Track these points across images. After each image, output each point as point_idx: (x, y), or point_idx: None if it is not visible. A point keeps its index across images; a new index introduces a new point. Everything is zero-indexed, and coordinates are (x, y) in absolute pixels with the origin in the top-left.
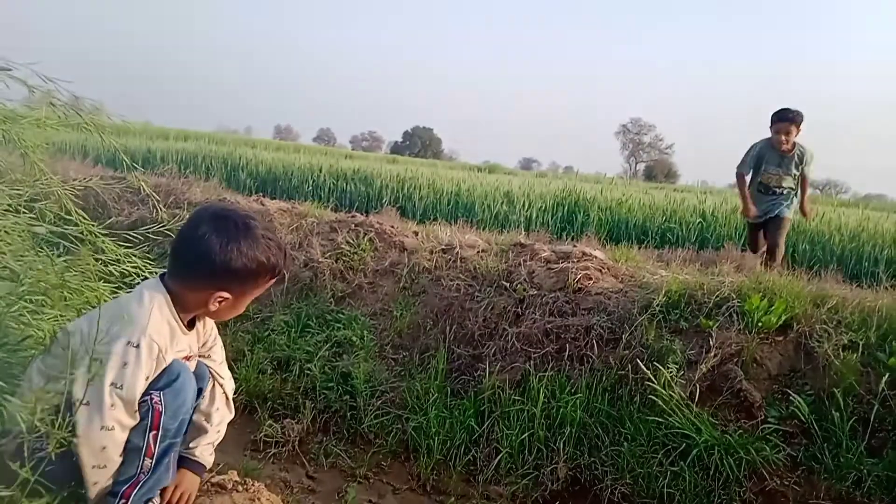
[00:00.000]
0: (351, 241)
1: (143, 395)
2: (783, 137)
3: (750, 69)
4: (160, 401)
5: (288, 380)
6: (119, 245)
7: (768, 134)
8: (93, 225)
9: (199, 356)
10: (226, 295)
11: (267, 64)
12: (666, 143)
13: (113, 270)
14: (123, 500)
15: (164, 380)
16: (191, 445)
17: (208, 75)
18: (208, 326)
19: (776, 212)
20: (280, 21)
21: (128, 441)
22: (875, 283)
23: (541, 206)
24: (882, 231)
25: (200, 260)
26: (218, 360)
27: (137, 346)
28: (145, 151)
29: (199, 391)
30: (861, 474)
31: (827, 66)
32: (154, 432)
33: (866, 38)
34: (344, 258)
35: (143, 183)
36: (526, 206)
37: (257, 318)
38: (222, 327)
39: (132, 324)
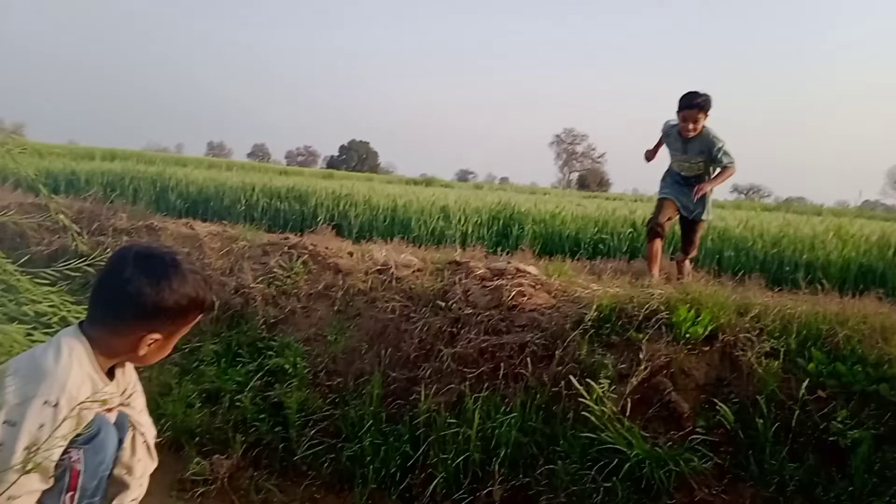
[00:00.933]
0: (284, 265)
1: (64, 454)
2: (690, 125)
3: (678, 76)
4: (79, 459)
5: (217, 413)
6: (36, 283)
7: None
8: (7, 261)
9: (120, 405)
10: (157, 336)
11: (199, 78)
12: (598, 152)
13: (28, 311)
14: None
15: (84, 435)
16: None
17: (138, 90)
18: (128, 373)
19: (692, 216)
20: (211, 33)
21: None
22: (795, 289)
23: (476, 221)
24: (802, 235)
25: (130, 303)
26: (138, 408)
27: (56, 406)
28: (69, 174)
29: (120, 442)
30: (784, 480)
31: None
32: (71, 493)
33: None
34: (277, 282)
35: (62, 214)
36: (462, 221)
37: (185, 349)
38: None
39: (48, 380)
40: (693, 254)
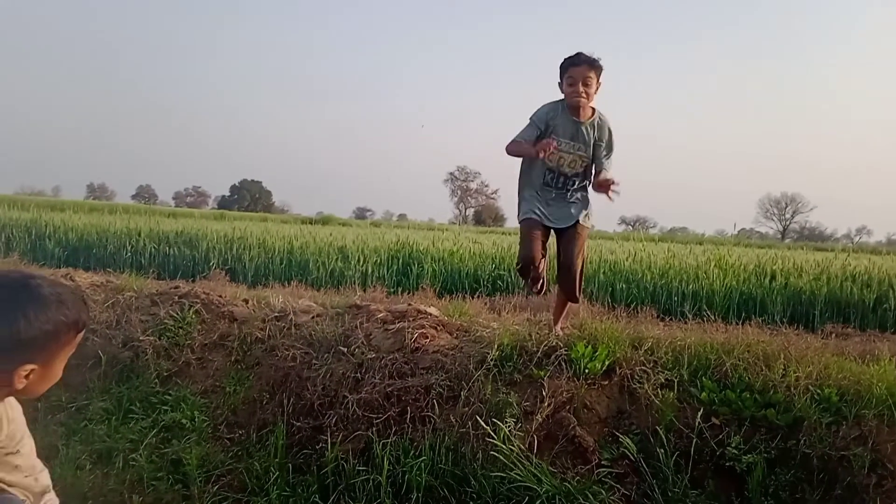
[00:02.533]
0: (175, 315)
1: None
2: (580, 88)
3: None
4: None
5: (110, 474)
6: None
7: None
8: None
9: (8, 453)
10: (31, 367)
11: (76, 115)
12: (492, 188)
13: None
14: None
15: None
16: None
17: (6, 129)
18: (13, 412)
19: (568, 221)
20: (86, 64)
21: None
22: (684, 319)
23: (376, 261)
24: (686, 266)
25: None
26: (27, 451)
27: None
28: None
29: None
30: None
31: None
32: None
33: (651, 64)
34: (168, 334)
35: None
36: (361, 262)
37: (72, 407)
38: (30, 421)
39: None
40: (577, 297)
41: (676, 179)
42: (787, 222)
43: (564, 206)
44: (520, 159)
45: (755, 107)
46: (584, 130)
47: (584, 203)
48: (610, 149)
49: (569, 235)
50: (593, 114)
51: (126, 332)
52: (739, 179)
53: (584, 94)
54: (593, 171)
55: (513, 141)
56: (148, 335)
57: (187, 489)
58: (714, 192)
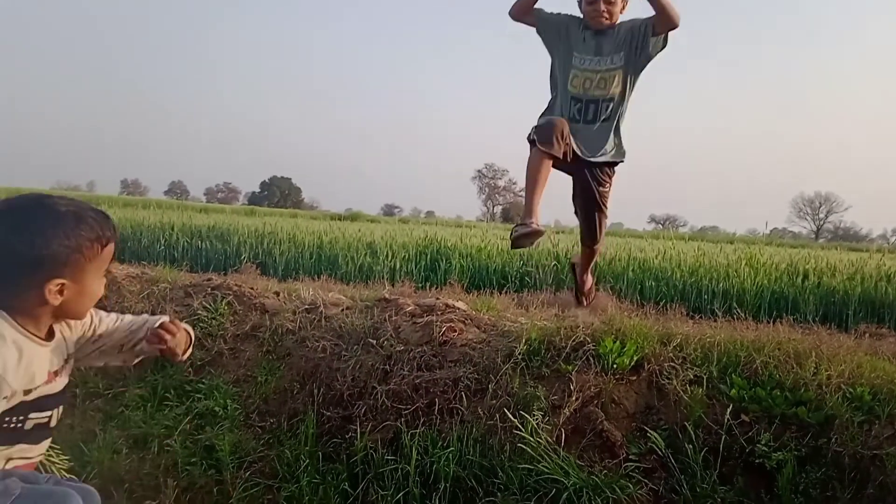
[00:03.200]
0: (208, 306)
1: None
2: (601, 7)
3: None
4: None
5: (146, 458)
6: None
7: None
8: None
9: (88, 353)
10: (59, 281)
11: (110, 112)
12: (520, 186)
13: None
14: None
15: None
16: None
17: (45, 125)
18: (77, 326)
19: (596, 152)
20: (119, 63)
21: None
22: (713, 317)
23: (404, 256)
24: (716, 265)
25: (8, 263)
26: (111, 323)
27: None
28: None
29: None
30: (716, 502)
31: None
32: None
33: (691, 73)
34: (202, 324)
35: None
36: (389, 257)
37: (108, 393)
38: (69, 406)
39: None
40: (599, 245)
41: (708, 177)
42: (821, 222)
43: (593, 135)
44: None
45: (789, 104)
46: (610, 41)
47: (618, 140)
48: (645, 28)
49: (590, 179)
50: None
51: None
52: (772, 178)
53: (605, 14)
54: (629, 91)
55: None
56: None
57: (220, 474)
58: (746, 191)
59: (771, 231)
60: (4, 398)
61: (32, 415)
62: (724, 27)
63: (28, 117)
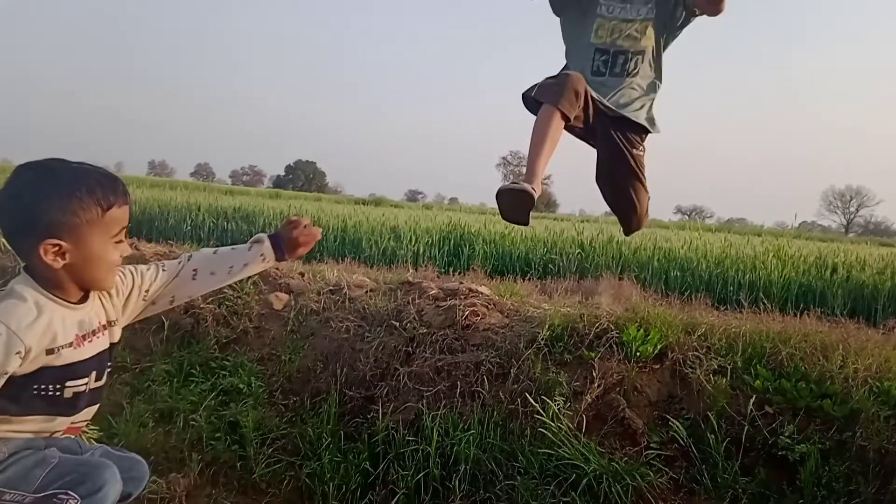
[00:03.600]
0: (234, 285)
1: (62, 492)
2: None
3: None
4: None
5: (171, 432)
6: None
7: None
8: None
9: (105, 324)
10: (55, 241)
11: (136, 94)
12: (545, 173)
13: None
14: None
15: (87, 487)
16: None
17: (73, 107)
18: (116, 292)
19: (627, 108)
20: (147, 50)
21: None
22: (739, 308)
23: (427, 241)
24: (743, 256)
25: (12, 228)
26: (156, 273)
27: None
28: None
29: (129, 496)
30: (737, 493)
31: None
32: None
33: (713, 62)
34: (227, 303)
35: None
36: (413, 241)
37: (136, 368)
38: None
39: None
40: (644, 221)
41: (737, 169)
42: (852, 216)
43: (624, 90)
44: None
45: (819, 96)
46: None
47: (650, 113)
48: None
49: (621, 141)
50: None
51: (188, 300)
52: (803, 172)
53: None
54: (660, 53)
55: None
56: (208, 303)
57: (243, 450)
58: (775, 184)
59: (800, 224)
60: (19, 354)
61: (69, 382)
62: (764, 18)
63: (56, 96)
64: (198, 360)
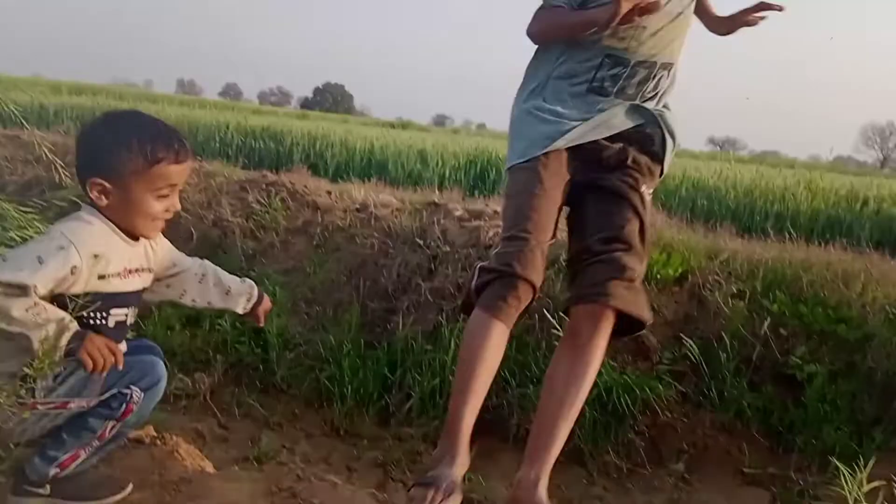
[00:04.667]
0: (262, 201)
1: (125, 388)
2: None
3: None
4: (138, 400)
5: (197, 335)
6: (20, 211)
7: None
8: None
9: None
10: (99, 181)
11: (166, 11)
12: None
13: (15, 236)
14: (58, 469)
15: (147, 381)
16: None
17: (101, 24)
18: (160, 249)
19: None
20: None
21: (83, 418)
22: (764, 237)
23: (454, 165)
24: (773, 187)
25: (77, 163)
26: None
27: (62, 249)
28: (37, 107)
29: None
30: (742, 407)
31: None
32: (114, 423)
33: None
34: (255, 217)
35: (44, 147)
36: (439, 165)
37: None
38: None
39: (61, 232)
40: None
41: (772, 100)
42: (890, 152)
43: (627, 114)
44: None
45: (863, 30)
46: None
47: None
48: None
49: (617, 185)
50: None
51: (216, 213)
52: (841, 107)
53: None
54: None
55: (547, 10)
56: (236, 217)
57: (266, 354)
58: (813, 116)
59: (835, 158)
60: (73, 270)
61: (114, 311)
62: None
63: (89, 14)
64: (225, 270)
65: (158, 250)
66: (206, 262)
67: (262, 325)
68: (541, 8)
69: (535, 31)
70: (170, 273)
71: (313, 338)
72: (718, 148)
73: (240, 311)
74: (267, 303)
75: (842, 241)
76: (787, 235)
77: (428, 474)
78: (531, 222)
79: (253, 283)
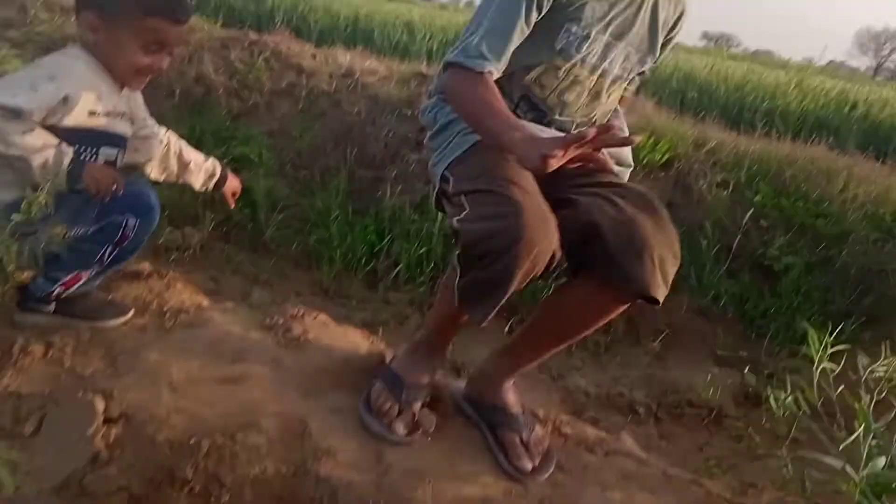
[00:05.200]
0: (245, 60)
1: (120, 215)
2: None
3: None
4: (133, 226)
5: (185, 191)
6: None
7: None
8: None
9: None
10: (91, 17)
11: None
12: None
13: None
14: (62, 288)
15: (140, 207)
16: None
17: None
18: (136, 102)
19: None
20: None
21: (82, 244)
22: (752, 130)
23: (442, 39)
24: (764, 84)
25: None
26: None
27: (53, 78)
28: None
29: None
30: (719, 292)
31: None
32: (111, 248)
33: None
34: (238, 76)
35: None
36: (428, 38)
37: None
38: None
39: (50, 63)
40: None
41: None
42: (883, 59)
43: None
44: None
45: None
46: (645, 15)
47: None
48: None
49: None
50: None
51: (198, 69)
52: (840, 17)
53: None
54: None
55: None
56: (219, 75)
57: (254, 214)
58: (812, 19)
59: (828, 63)
60: (65, 99)
61: (104, 149)
62: None
63: None
64: (209, 128)
65: (134, 105)
66: (171, 132)
67: (232, 206)
68: (473, 70)
69: (451, 92)
70: (142, 133)
71: (301, 201)
72: (713, 43)
73: (198, 186)
74: (234, 182)
75: (828, 141)
76: (775, 131)
77: (397, 375)
78: None
79: (217, 161)
